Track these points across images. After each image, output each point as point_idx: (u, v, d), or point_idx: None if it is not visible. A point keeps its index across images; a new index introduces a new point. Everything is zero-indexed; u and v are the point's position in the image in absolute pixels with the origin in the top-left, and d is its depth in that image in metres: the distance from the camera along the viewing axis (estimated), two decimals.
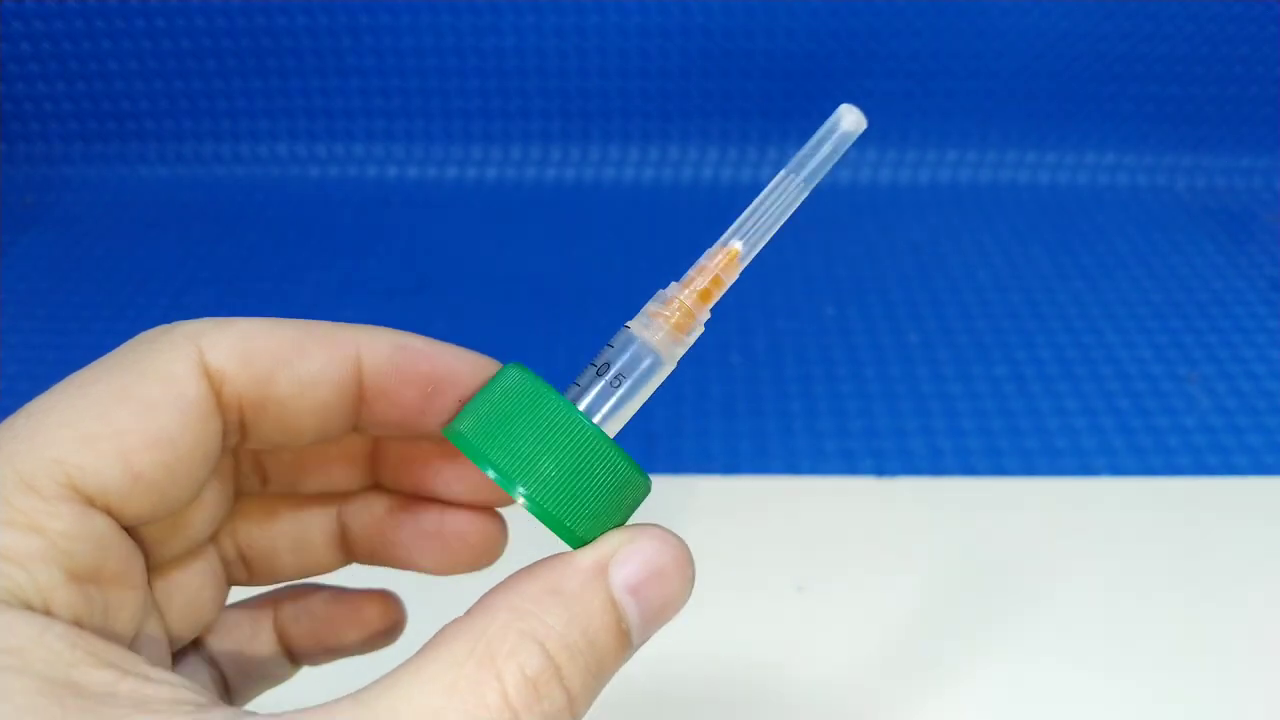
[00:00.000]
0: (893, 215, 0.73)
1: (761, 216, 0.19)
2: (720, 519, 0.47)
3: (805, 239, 0.70)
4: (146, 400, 0.16)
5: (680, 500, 0.48)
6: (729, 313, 0.59)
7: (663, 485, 0.48)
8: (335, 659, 0.24)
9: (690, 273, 0.19)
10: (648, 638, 0.17)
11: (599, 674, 0.16)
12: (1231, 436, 0.53)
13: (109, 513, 0.16)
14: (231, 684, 0.22)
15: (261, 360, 0.18)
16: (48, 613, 0.14)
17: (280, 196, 0.74)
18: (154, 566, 0.19)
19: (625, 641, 0.17)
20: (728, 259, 0.19)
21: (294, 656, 0.23)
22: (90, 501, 0.16)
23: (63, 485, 0.15)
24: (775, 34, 0.72)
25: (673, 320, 0.19)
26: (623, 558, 0.17)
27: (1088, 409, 0.55)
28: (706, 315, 0.19)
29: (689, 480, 0.49)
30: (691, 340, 0.19)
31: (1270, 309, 0.63)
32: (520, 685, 0.15)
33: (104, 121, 0.76)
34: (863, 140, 0.75)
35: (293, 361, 0.18)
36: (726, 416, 0.54)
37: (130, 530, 0.17)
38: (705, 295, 0.19)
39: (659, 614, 0.17)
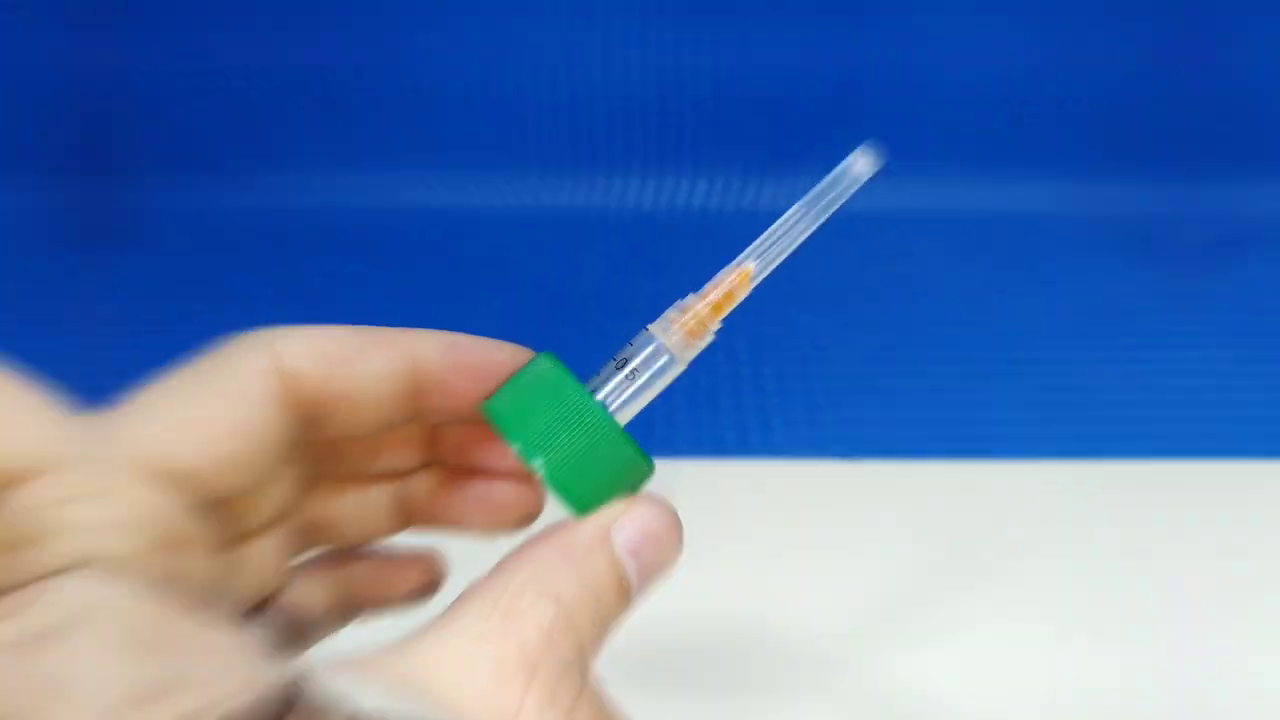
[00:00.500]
0: (877, 240, 0.74)
1: (775, 242, 0.21)
2: (726, 521, 0.49)
3: (792, 260, 0.71)
4: (225, 394, 0.19)
5: (682, 502, 0.49)
6: (732, 315, 0.63)
7: (661, 469, 0.52)
8: (384, 613, 0.25)
9: (707, 286, 0.21)
10: (645, 592, 0.19)
11: (604, 624, 0.18)
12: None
13: (186, 489, 0.18)
14: (289, 637, 0.23)
15: (328, 360, 0.20)
16: (122, 575, 0.16)
17: (289, 202, 0.77)
18: (233, 537, 0.20)
19: (626, 595, 0.19)
20: (740, 277, 0.21)
21: (346, 612, 0.25)
22: (169, 478, 0.18)
23: (144, 464, 0.18)
24: (762, 76, 0.76)
25: (688, 326, 0.21)
26: (622, 524, 0.19)
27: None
28: (717, 325, 0.21)
29: (679, 464, 0.50)
30: (702, 345, 0.21)
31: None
32: (538, 635, 0.17)
33: (191, 157, 0.79)
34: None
35: (355, 361, 0.20)
36: (712, 406, 0.58)
37: (209, 504, 0.19)
38: (718, 307, 0.21)
39: (654, 571, 0.19)
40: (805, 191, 0.21)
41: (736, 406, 0.60)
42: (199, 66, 0.77)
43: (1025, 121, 0.77)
